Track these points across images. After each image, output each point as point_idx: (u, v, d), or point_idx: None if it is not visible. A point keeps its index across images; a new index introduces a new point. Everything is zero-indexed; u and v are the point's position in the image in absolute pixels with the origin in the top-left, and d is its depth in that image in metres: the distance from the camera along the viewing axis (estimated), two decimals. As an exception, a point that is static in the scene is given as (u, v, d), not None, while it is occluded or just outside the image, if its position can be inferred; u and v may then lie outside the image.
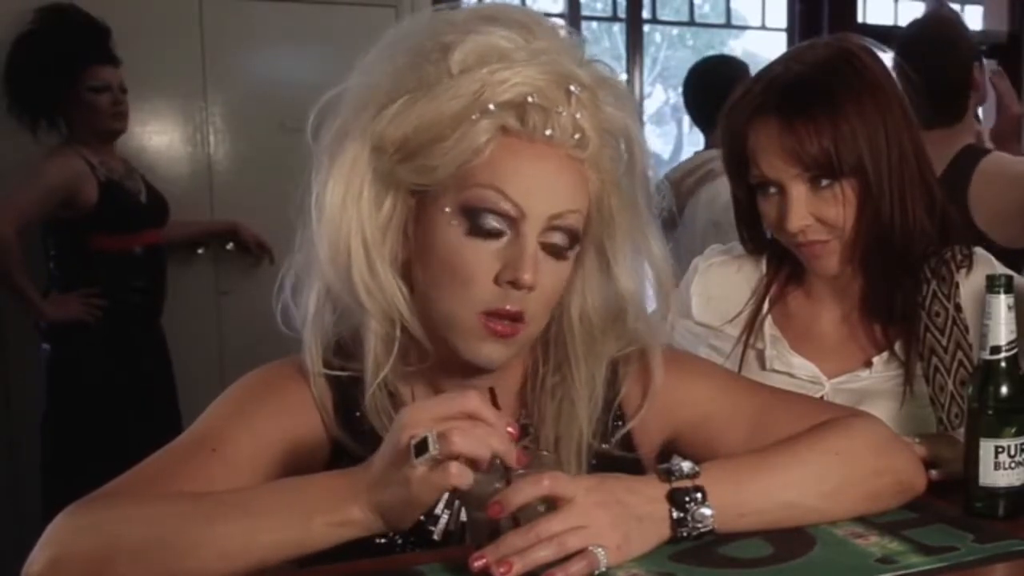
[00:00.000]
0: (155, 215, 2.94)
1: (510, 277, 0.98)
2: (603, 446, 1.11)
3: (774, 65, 1.36)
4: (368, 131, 0.98)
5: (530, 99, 0.96)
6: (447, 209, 0.98)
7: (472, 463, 0.86)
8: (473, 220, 0.98)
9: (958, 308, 1.36)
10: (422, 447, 0.85)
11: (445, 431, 0.85)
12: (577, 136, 0.99)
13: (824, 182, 1.28)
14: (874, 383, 1.38)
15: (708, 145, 2.92)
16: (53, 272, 2.82)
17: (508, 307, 0.99)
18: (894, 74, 1.37)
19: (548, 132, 0.98)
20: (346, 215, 1.00)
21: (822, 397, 1.37)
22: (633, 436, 1.14)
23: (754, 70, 1.41)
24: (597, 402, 1.09)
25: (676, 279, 1.14)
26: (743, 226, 1.44)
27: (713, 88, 2.90)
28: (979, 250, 1.41)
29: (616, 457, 1.11)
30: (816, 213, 1.30)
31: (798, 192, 1.29)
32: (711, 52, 5.03)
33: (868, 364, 1.39)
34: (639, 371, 1.13)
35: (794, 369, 1.40)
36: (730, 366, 1.38)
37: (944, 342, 1.35)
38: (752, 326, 1.42)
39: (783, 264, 1.44)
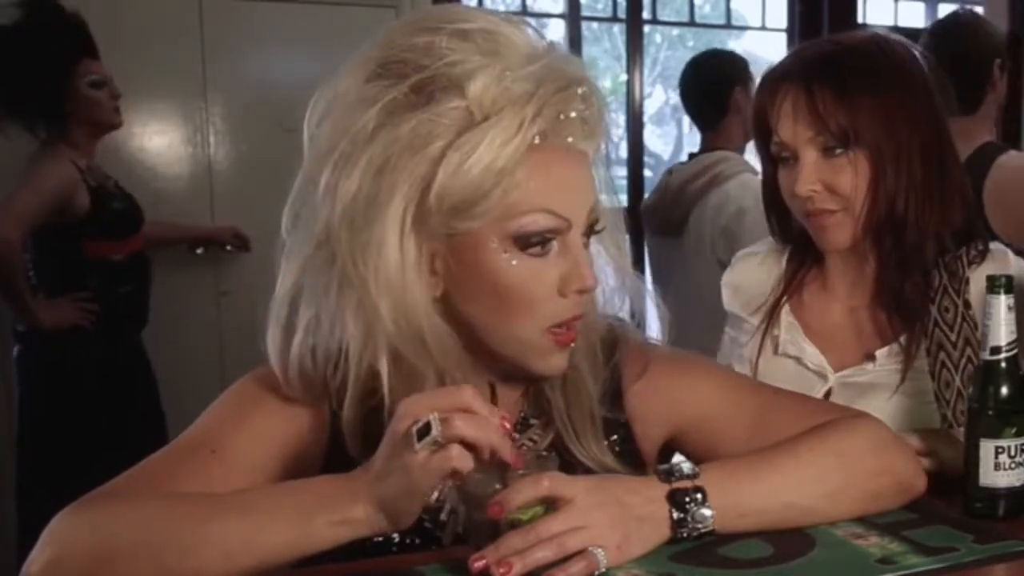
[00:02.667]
0: (136, 221, 2.88)
1: (578, 287, 0.99)
2: (604, 444, 1.11)
3: (810, 43, 1.41)
4: (411, 196, 0.95)
5: (560, 118, 0.97)
6: (494, 243, 0.97)
7: (472, 451, 0.87)
8: (526, 244, 0.98)
9: (967, 304, 1.36)
10: (424, 431, 0.86)
11: (447, 416, 0.86)
12: (585, 130, 1.00)
13: (837, 150, 1.31)
14: (878, 376, 1.39)
15: (705, 146, 2.82)
16: (35, 278, 2.74)
17: (577, 313, 1.01)
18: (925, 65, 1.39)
19: (569, 140, 0.99)
20: (407, 282, 0.97)
21: (829, 390, 1.38)
22: (635, 434, 1.14)
23: (755, 71, 1.43)
24: (599, 371, 1.10)
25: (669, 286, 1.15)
26: (770, 208, 1.46)
27: (713, 83, 2.80)
28: (996, 245, 1.42)
29: (616, 452, 1.11)
30: (826, 180, 1.32)
31: (809, 156, 1.32)
32: (711, 53, 5.03)
33: (872, 358, 1.40)
34: (636, 348, 1.14)
35: (804, 356, 1.42)
36: (749, 351, 1.42)
37: (953, 338, 1.35)
38: (772, 314, 1.45)
39: (806, 258, 1.46)
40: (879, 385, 1.38)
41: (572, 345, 1.03)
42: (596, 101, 1.02)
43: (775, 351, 1.44)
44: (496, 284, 0.98)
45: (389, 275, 0.96)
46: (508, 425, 0.90)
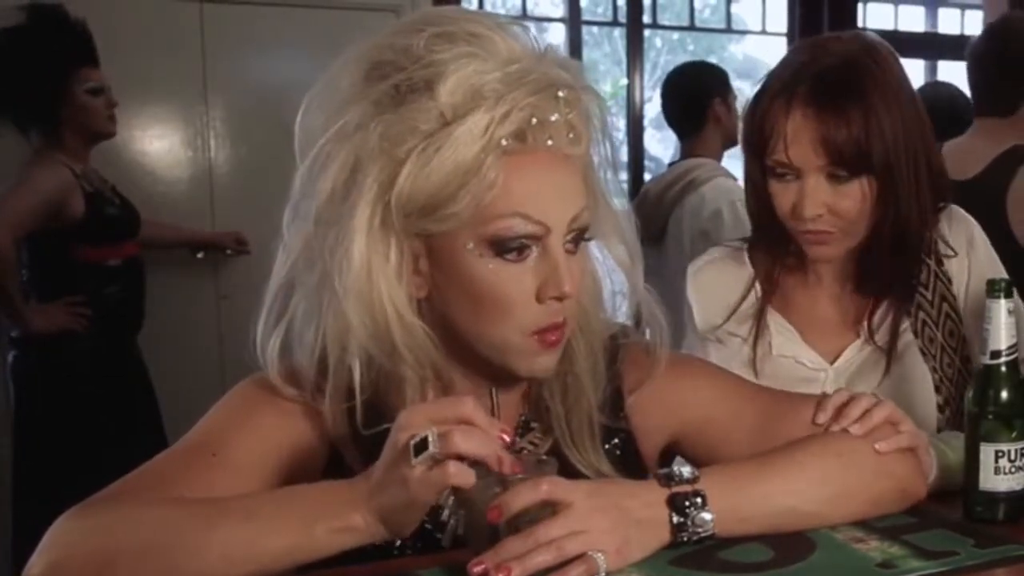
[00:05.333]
0: (131, 226, 2.89)
1: (554, 293, 0.98)
2: (606, 447, 1.11)
3: (800, 54, 1.37)
4: (378, 197, 0.96)
5: (533, 121, 0.95)
6: (470, 245, 0.97)
7: (471, 464, 0.87)
8: (501, 249, 0.97)
9: (939, 262, 1.39)
10: (421, 446, 0.85)
11: (445, 431, 0.86)
12: (571, 136, 0.99)
13: (843, 176, 1.30)
14: (867, 354, 1.41)
15: (684, 154, 2.88)
16: (28, 283, 2.74)
17: (557, 320, 1.00)
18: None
19: (549, 143, 0.97)
20: (374, 284, 0.98)
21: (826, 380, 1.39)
22: (635, 438, 1.14)
23: (755, 75, 1.42)
24: (600, 378, 1.10)
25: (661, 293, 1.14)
26: (758, 216, 1.42)
27: (692, 95, 2.88)
28: (952, 206, 1.44)
29: (618, 455, 1.11)
30: (831, 204, 1.31)
31: (816, 180, 1.31)
32: (711, 57, 5.05)
33: (859, 336, 1.42)
34: (639, 351, 1.14)
35: (800, 355, 1.43)
36: (744, 357, 1.41)
37: (929, 296, 1.39)
38: (759, 323, 1.44)
39: (778, 254, 1.44)
40: (870, 362, 1.40)
41: (560, 345, 1.02)
42: (587, 106, 1.00)
43: (770, 352, 1.44)
44: (473, 287, 0.98)
45: (356, 274, 0.97)
46: (508, 438, 0.89)
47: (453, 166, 0.94)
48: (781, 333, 1.44)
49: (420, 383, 1.02)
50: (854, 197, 1.31)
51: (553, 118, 0.97)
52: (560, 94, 0.97)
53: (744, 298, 1.45)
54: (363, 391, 1.01)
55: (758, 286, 1.46)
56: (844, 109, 1.28)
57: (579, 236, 1.01)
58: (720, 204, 2.58)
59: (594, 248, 1.08)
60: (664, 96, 2.98)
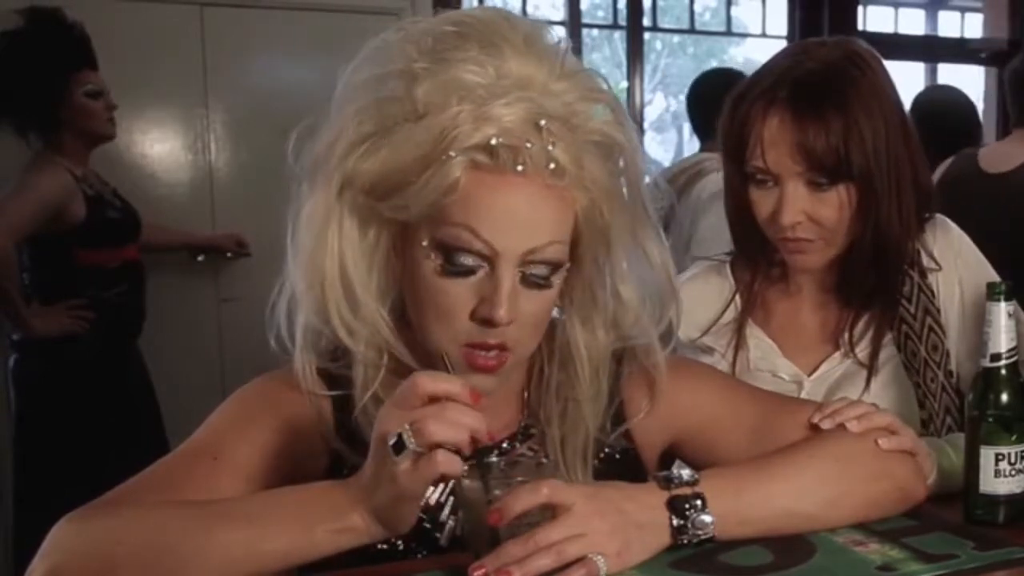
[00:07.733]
0: (132, 229, 2.88)
1: (484, 315, 0.96)
2: (606, 450, 1.11)
3: (782, 58, 1.34)
4: (339, 170, 0.98)
5: (494, 141, 0.93)
6: (424, 243, 0.98)
7: (468, 459, 0.87)
8: (448, 257, 0.97)
9: (922, 274, 1.38)
10: (399, 445, 0.86)
11: (418, 423, 0.85)
12: (552, 166, 0.95)
13: (822, 183, 1.28)
14: (848, 367, 1.39)
15: (703, 151, 2.95)
16: (29, 286, 2.74)
17: (489, 340, 0.98)
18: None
19: (520, 168, 0.95)
20: (319, 253, 1.00)
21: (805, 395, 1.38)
22: (635, 440, 1.14)
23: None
24: (602, 402, 1.09)
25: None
26: (738, 223, 1.40)
27: (710, 98, 2.91)
28: (938, 215, 1.42)
29: (617, 459, 1.11)
30: (810, 212, 1.29)
31: (795, 187, 1.28)
32: (711, 60, 5.05)
33: (839, 348, 1.40)
34: (641, 371, 1.13)
35: (779, 370, 1.41)
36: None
37: (912, 309, 1.37)
38: (738, 337, 1.42)
39: (759, 265, 1.43)
40: (850, 374, 1.38)
41: (496, 372, 1.00)
42: (574, 132, 0.97)
43: (748, 367, 1.41)
44: (418, 283, 0.99)
45: (302, 232, 1.00)
46: (475, 396, 0.88)
47: (400, 158, 0.95)
48: (759, 347, 1.42)
49: (371, 362, 1.03)
50: (833, 205, 1.28)
51: (528, 144, 0.94)
52: (541, 123, 0.94)
53: (723, 312, 1.43)
54: (321, 356, 1.04)
55: (738, 300, 1.44)
56: (823, 115, 1.25)
57: (548, 269, 0.99)
58: (722, 186, 2.59)
59: (619, 274, 1.07)
60: (688, 101, 3.08)
